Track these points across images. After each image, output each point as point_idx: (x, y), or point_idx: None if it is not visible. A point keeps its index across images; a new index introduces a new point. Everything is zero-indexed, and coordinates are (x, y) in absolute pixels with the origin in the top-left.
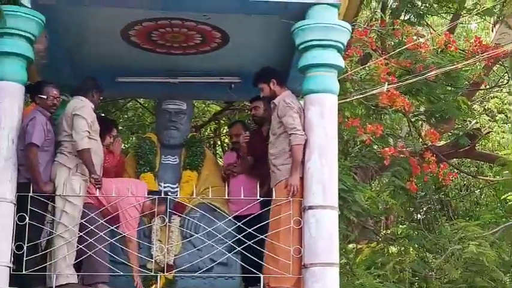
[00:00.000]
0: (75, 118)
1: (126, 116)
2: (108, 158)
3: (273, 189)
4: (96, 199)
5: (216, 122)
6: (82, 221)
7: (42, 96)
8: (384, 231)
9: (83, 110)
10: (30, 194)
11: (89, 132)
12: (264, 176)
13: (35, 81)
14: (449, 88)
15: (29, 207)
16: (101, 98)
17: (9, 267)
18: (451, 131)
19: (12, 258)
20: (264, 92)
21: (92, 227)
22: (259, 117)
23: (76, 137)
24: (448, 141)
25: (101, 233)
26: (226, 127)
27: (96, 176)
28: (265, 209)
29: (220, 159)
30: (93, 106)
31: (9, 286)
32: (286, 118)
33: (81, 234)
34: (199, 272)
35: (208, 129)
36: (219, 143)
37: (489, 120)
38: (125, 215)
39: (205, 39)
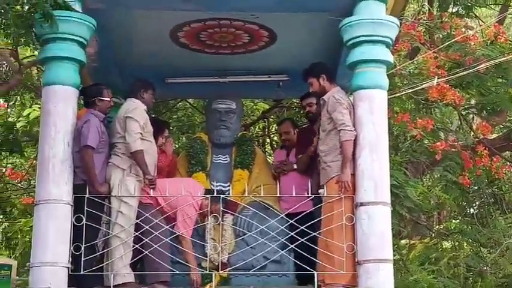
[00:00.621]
0: (128, 120)
1: (176, 116)
2: (161, 158)
3: (324, 186)
4: (153, 199)
5: (265, 120)
6: (138, 221)
7: (103, 98)
8: (436, 227)
9: (134, 112)
10: (87, 195)
11: (141, 133)
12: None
13: (86, 85)
14: (500, 80)
15: (85, 208)
16: (154, 96)
17: (68, 267)
18: (503, 123)
19: (70, 258)
20: (313, 87)
21: (147, 227)
22: (314, 114)
23: (129, 139)
24: (500, 134)
25: (156, 233)
26: (275, 125)
27: (150, 176)
28: (317, 206)
29: (270, 157)
30: (145, 107)
31: (68, 286)
32: (336, 114)
33: (136, 234)
34: (253, 270)
35: (257, 127)
36: (268, 141)
37: None
38: (182, 214)
39: (253, 38)
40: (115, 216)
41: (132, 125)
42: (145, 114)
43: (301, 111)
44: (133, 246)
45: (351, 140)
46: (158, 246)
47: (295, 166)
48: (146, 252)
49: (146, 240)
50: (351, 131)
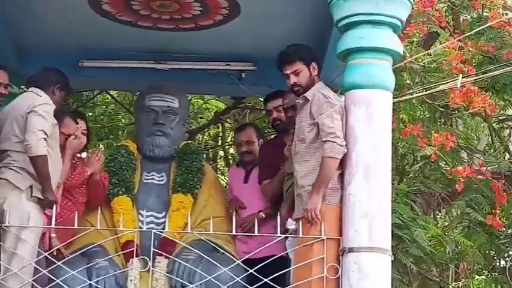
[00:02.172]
0: (32, 116)
1: (92, 115)
2: (75, 172)
3: (299, 221)
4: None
5: (219, 125)
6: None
7: None
8: (453, 284)
9: (42, 108)
10: None
11: (46, 136)
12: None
13: None
14: None
15: None
16: (64, 100)
17: None
18: None
19: None
20: (300, 77)
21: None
22: (284, 122)
23: (30, 138)
24: None
25: None
26: (232, 133)
27: (51, 197)
28: (290, 250)
29: (223, 178)
30: (54, 107)
31: None
32: (324, 118)
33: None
34: None
35: (208, 135)
36: (222, 154)
37: None
38: None
39: (207, 9)
40: (6, 259)
41: (37, 122)
42: (53, 115)
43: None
44: None
45: (338, 158)
46: None
47: (262, 216)
48: None
49: None
50: (341, 145)
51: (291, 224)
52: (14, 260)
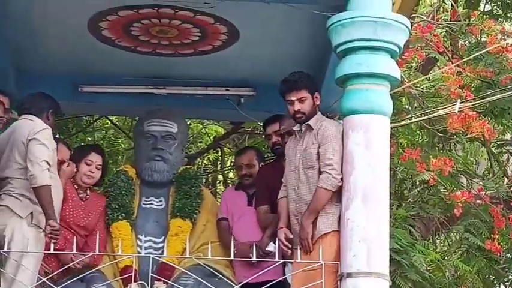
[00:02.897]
0: (33, 144)
1: (91, 139)
2: (88, 210)
3: (298, 248)
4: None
5: (218, 150)
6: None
7: None
8: None
9: (42, 134)
10: None
11: (49, 166)
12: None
13: None
14: None
15: None
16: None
17: None
18: None
19: None
20: (304, 105)
21: None
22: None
23: (34, 169)
24: None
25: None
26: (232, 157)
27: (54, 223)
28: (289, 274)
29: None
30: (51, 130)
31: None
32: (325, 149)
33: None
34: None
35: (207, 159)
36: (221, 178)
37: None
38: None
39: (206, 34)
40: (6, 286)
41: (39, 151)
42: (53, 141)
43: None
44: None
45: (331, 190)
46: None
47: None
48: None
49: None
50: (335, 178)
51: (270, 246)
52: (13, 286)
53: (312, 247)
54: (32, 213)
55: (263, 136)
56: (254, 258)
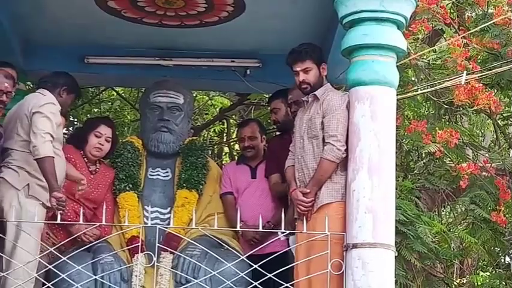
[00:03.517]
0: (37, 117)
1: (98, 111)
2: (96, 184)
3: (303, 217)
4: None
5: (224, 121)
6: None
7: None
8: (458, 280)
9: (46, 108)
10: None
11: (52, 138)
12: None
13: None
14: None
15: None
16: (73, 103)
17: None
18: None
19: None
20: (309, 75)
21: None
22: (282, 123)
23: (36, 140)
24: None
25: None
26: (236, 129)
27: (58, 194)
28: (294, 246)
29: None
30: (59, 107)
31: None
32: (330, 120)
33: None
34: None
35: (213, 131)
36: (227, 150)
37: None
38: None
39: (212, 5)
40: (9, 252)
41: (42, 123)
42: (60, 115)
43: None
44: None
45: (335, 162)
46: None
47: (271, 226)
48: None
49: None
50: (339, 149)
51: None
52: (14, 257)
53: (309, 215)
54: (28, 185)
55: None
56: (260, 229)
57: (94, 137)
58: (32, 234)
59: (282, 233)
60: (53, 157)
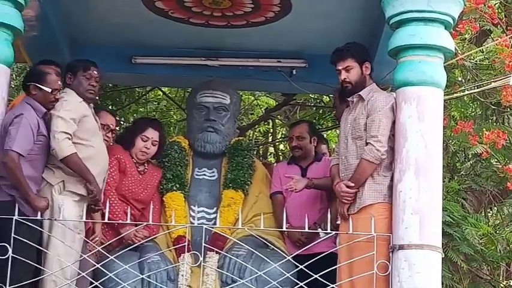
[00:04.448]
0: (52, 120)
1: (144, 110)
2: (144, 183)
3: (350, 217)
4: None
5: (270, 121)
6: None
7: (41, 86)
8: (504, 283)
9: (61, 106)
10: (15, 216)
11: (69, 135)
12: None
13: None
14: None
15: (12, 234)
16: (93, 77)
17: None
18: None
19: None
20: (350, 74)
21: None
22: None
23: (53, 143)
24: None
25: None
26: (283, 129)
27: (93, 186)
28: (340, 246)
29: None
30: (79, 99)
31: None
32: (373, 121)
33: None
34: None
35: (258, 131)
36: (272, 150)
37: None
38: None
39: (259, 6)
40: (51, 249)
41: (55, 124)
42: (82, 105)
43: (323, 113)
44: None
45: (374, 163)
46: None
47: (318, 227)
48: None
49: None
50: (379, 150)
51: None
52: (47, 255)
53: (346, 214)
54: (63, 181)
55: (314, 108)
56: (306, 229)
57: (141, 141)
58: (65, 232)
59: (327, 233)
60: (74, 153)
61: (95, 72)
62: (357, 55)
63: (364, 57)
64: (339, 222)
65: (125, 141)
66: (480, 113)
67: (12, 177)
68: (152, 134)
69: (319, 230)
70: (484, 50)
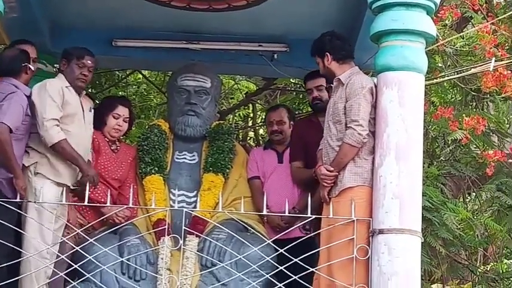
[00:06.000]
0: (38, 104)
1: (124, 94)
2: (119, 163)
3: (331, 201)
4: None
5: (250, 105)
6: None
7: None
8: (482, 268)
9: (44, 88)
10: None
11: (57, 121)
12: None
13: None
14: None
15: None
16: (86, 66)
17: None
18: None
19: None
20: (321, 68)
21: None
22: (324, 103)
23: (41, 130)
24: None
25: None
26: (263, 114)
27: (89, 171)
28: (321, 230)
29: None
30: (66, 84)
31: None
32: (352, 105)
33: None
34: None
35: (239, 115)
36: (252, 135)
37: None
38: None
39: None
40: (28, 231)
41: (42, 109)
42: (66, 91)
43: (304, 98)
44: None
45: (355, 146)
46: None
47: (296, 211)
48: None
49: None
50: (360, 134)
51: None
52: (23, 238)
53: (327, 198)
54: (36, 163)
55: (294, 93)
56: (287, 213)
57: (112, 119)
58: (42, 214)
59: (307, 218)
60: (63, 140)
61: (89, 62)
62: (315, 51)
63: (322, 49)
64: None
65: (96, 121)
66: (460, 99)
67: (1, 150)
68: (123, 111)
69: (303, 215)
70: (464, 36)
